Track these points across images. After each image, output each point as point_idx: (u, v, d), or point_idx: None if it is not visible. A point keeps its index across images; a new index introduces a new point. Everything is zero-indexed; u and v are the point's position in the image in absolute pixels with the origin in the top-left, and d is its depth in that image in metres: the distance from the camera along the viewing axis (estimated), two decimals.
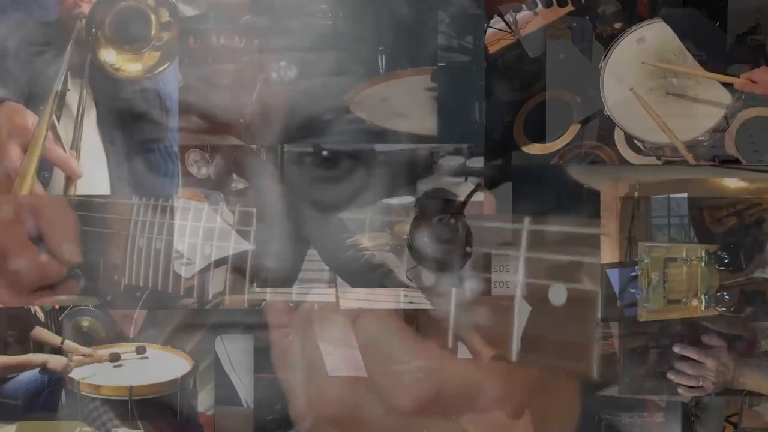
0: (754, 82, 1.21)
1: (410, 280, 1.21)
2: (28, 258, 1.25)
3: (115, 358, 1.26)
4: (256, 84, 1.24)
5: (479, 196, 1.22)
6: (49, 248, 1.25)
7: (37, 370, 1.25)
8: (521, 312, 1.15)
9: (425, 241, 1.19)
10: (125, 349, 1.27)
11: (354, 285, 1.22)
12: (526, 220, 1.17)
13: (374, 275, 1.22)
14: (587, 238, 1.19)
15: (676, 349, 1.20)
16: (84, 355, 1.26)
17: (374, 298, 1.22)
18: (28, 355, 1.26)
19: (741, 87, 1.21)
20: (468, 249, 1.19)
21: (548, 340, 1.14)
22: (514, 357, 1.14)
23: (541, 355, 1.14)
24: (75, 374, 1.25)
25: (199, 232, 1.25)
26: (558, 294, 1.14)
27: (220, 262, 1.24)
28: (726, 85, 1.23)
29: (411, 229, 1.20)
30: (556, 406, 1.21)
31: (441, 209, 1.21)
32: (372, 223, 1.23)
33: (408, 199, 1.23)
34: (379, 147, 1.24)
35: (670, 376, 1.20)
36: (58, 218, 1.25)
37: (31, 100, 1.25)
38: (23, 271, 1.25)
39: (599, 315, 1.15)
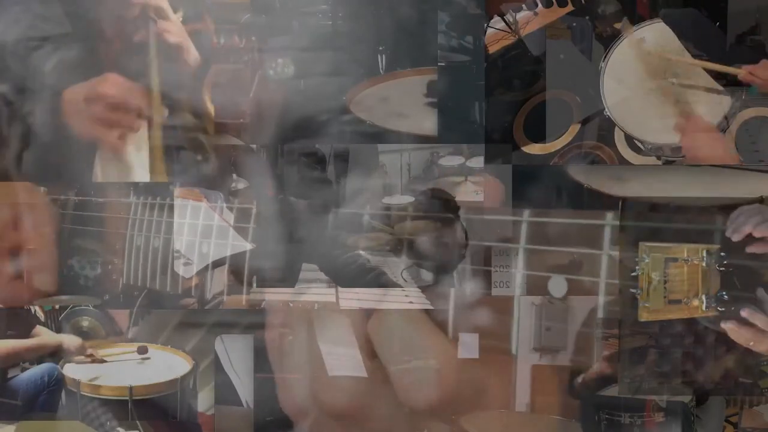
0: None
1: (405, 280, 1.21)
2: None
3: (143, 350, 1.26)
4: (254, 82, 1.24)
5: (479, 195, 1.22)
6: (25, 273, 1.25)
7: (36, 370, 1.25)
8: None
9: (422, 241, 1.20)
10: (125, 349, 1.27)
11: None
12: (526, 213, 1.17)
13: (367, 279, 1.22)
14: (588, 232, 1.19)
15: (744, 313, 1.16)
16: (83, 356, 1.26)
17: (374, 298, 1.22)
18: (40, 337, 1.25)
19: (744, 78, 1.21)
20: (463, 250, 1.19)
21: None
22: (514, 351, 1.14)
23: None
24: (75, 374, 1.25)
25: (199, 230, 1.25)
26: (558, 286, 1.14)
27: (219, 262, 1.24)
28: (726, 85, 1.23)
29: (408, 229, 1.20)
30: None
31: (438, 209, 1.21)
32: (371, 223, 1.23)
33: (407, 199, 1.23)
34: (378, 147, 1.24)
35: (727, 325, 1.16)
36: (40, 248, 1.24)
37: None
38: None
39: None
